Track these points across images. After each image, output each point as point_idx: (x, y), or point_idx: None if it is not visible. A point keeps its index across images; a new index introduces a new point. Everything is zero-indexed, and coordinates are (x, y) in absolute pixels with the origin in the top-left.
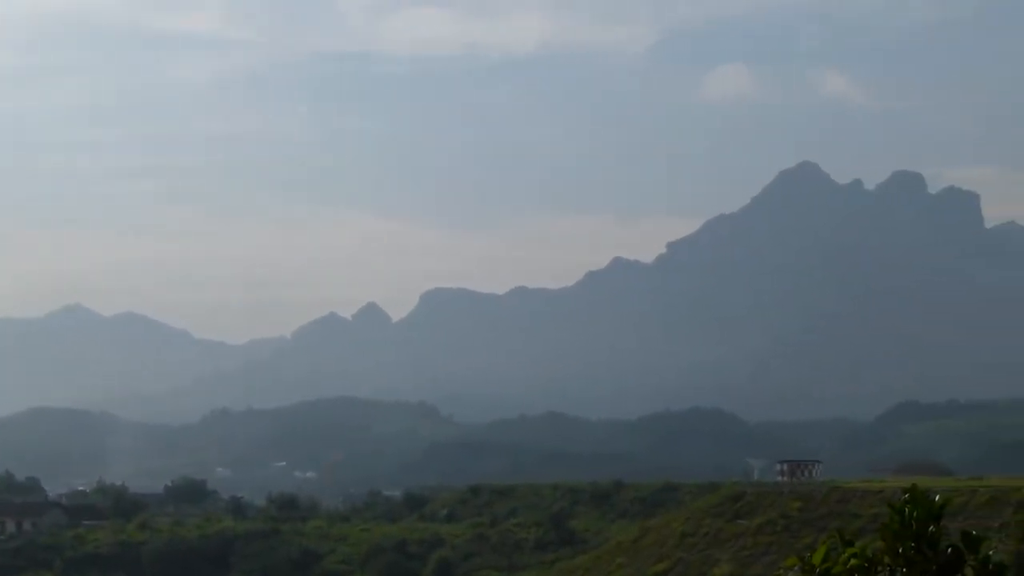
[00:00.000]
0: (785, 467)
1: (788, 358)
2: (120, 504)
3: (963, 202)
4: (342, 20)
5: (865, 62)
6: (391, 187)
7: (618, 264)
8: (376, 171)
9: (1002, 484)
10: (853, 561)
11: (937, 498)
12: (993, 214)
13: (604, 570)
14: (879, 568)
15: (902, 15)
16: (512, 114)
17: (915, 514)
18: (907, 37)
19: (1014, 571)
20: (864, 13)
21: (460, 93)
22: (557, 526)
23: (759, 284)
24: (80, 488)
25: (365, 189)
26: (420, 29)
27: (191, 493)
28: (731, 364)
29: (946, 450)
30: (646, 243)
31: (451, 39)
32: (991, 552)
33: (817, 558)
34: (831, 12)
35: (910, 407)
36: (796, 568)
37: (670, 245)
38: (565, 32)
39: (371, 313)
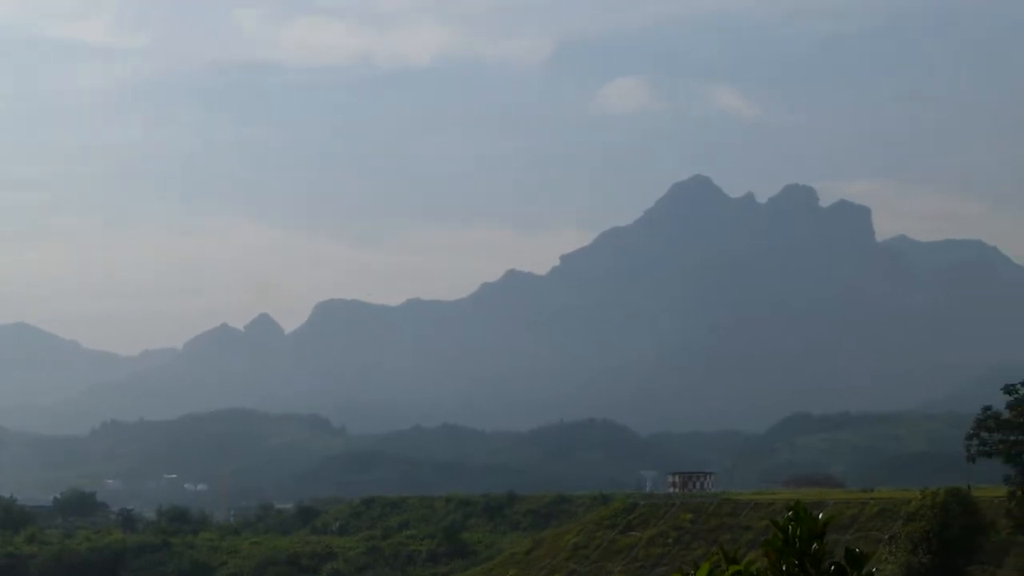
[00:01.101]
0: (677, 479)
1: (681, 370)
2: (9, 516)
3: (854, 216)
4: (237, 30)
5: (758, 76)
6: (284, 197)
7: (512, 276)
8: (269, 181)
9: (892, 496)
10: None
11: (821, 515)
12: (884, 228)
13: None
14: None
15: (795, 30)
16: (407, 125)
17: (799, 531)
18: (799, 52)
19: None
20: (757, 28)
21: (355, 104)
22: (450, 538)
23: (652, 297)
24: None
25: (258, 199)
26: (315, 39)
27: (81, 505)
28: (624, 376)
29: (837, 462)
30: (540, 255)
31: (346, 49)
32: (875, 569)
33: (701, 574)
34: (724, 26)
35: (801, 419)
36: None
37: (564, 258)
38: (461, 43)
39: (264, 324)
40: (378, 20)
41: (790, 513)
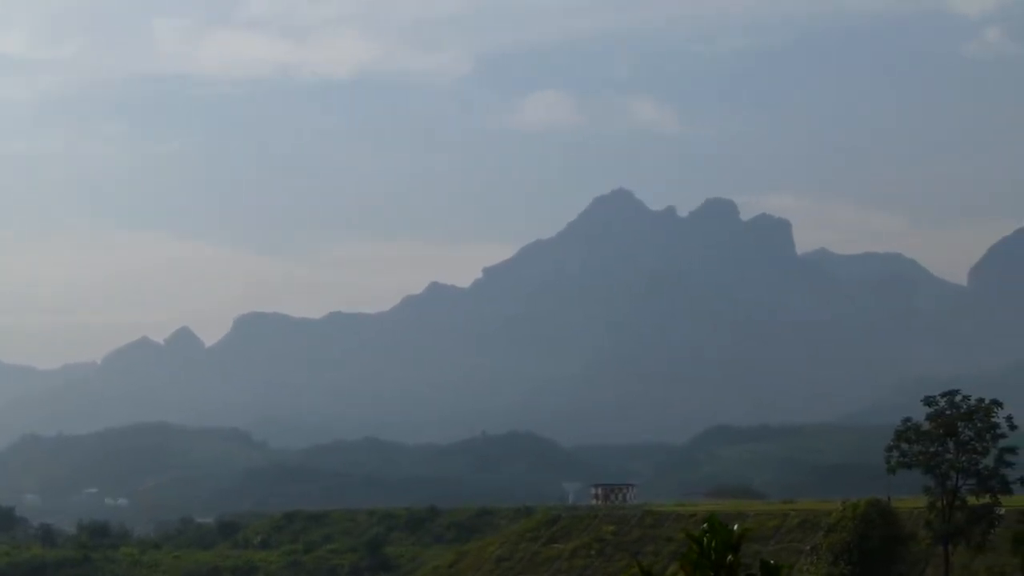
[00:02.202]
0: (599, 491)
1: (603, 383)
2: None
3: (774, 229)
4: (157, 42)
5: (678, 90)
6: (204, 211)
7: (435, 289)
8: (189, 194)
9: (813, 507)
10: None
11: (736, 527)
12: (804, 241)
13: None
14: None
15: (714, 44)
16: (328, 138)
17: (713, 543)
18: (719, 66)
19: None
20: (677, 42)
21: (276, 117)
22: (373, 552)
23: (574, 309)
24: None
25: (178, 212)
26: (235, 52)
27: None
28: (547, 389)
29: (758, 474)
30: (463, 268)
31: (266, 62)
32: None
33: None
34: (645, 40)
35: (723, 431)
36: None
37: (486, 270)
38: (381, 57)
39: (184, 338)
40: (298, 33)
41: (705, 525)
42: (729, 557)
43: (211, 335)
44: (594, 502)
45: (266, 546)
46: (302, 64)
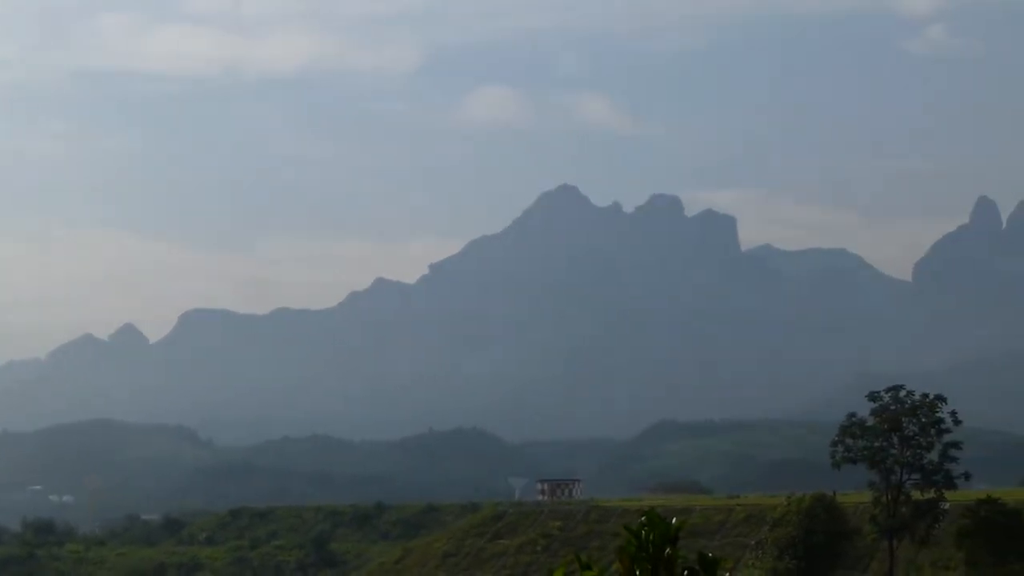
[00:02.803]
0: (546, 487)
1: (549, 378)
2: None
3: (720, 225)
4: (102, 38)
5: (624, 86)
6: (149, 207)
7: (381, 285)
8: (134, 190)
9: (758, 502)
10: None
11: (674, 521)
12: (749, 237)
13: None
14: None
15: (660, 41)
16: (273, 134)
17: (651, 537)
18: (665, 62)
19: None
20: (622, 38)
21: (220, 113)
22: (318, 548)
23: (521, 305)
24: None
25: (122, 209)
26: (180, 48)
27: None
28: (493, 385)
29: (704, 469)
30: (409, 264)
31: (212, 58)
32: (726, 574)
33: None
34: (591, 37)
35: (669, 426)
36: None
37: (432, 266)
38: (328, 52)
39: (128, 334)
40: (245, 29)
41: (643, 519)
42: (667, 550)
43: (156, 332)
44: (540, 498)
45: (212, 543)
46: (248, 60)
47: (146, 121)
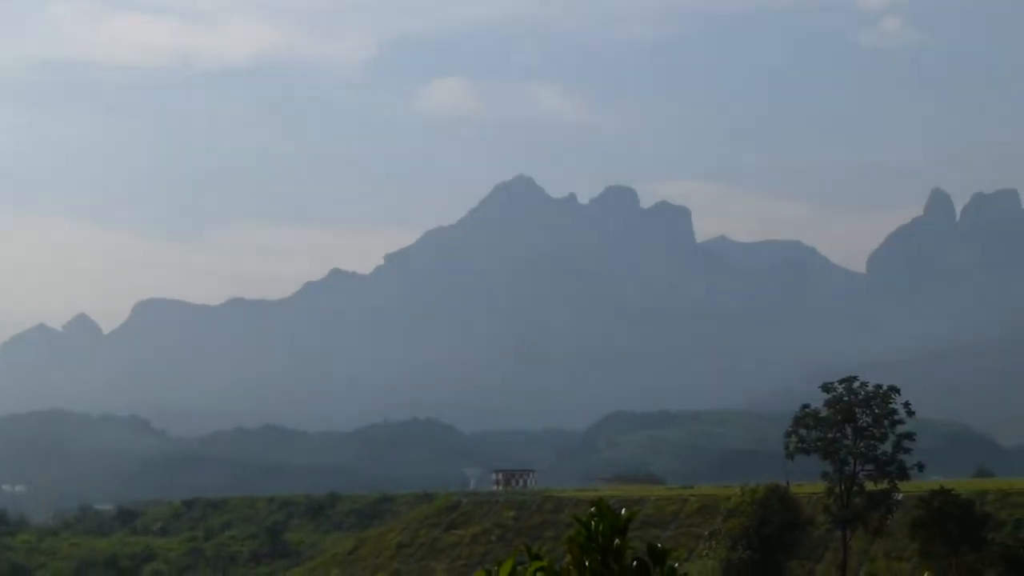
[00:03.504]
0: (500, 477)
1: (505, 369)
2: None
3: (674, 217)
4: (57, 27)
5: (580, 78)
6: (103, 196)
7: (336, 275)
8: (87, 179)
9: (712, 493)
10: (539, 575)
11: (624, 511)
12: (704, 229)
13: None
14: None
15: (615, 33)
16: (228, 124)
17: (601, 527)
18: (620, 54)
19: None
20: (578, 31)
21: (175, 102)
22: (272, 539)
23: (476, 296)
24: None
25: (76, 198)
26: (135, 37)
27: None
28: (449, 375)
29: (658, 459)
30: (364, 255)
31: (166, 48)
32: (676, 564)
33: (504, 571)
34: (546, 28)
35: (623, 417)
36: None
37: (388, 257)
38: (282, 43)
39: (82, 324)
40: (199, 18)
41: (593, 509)
42: (617, 541)
43: (110, 321)
44: (495, 488)
45: (165, 533)
46: (204, 49)
47: (100, 110)
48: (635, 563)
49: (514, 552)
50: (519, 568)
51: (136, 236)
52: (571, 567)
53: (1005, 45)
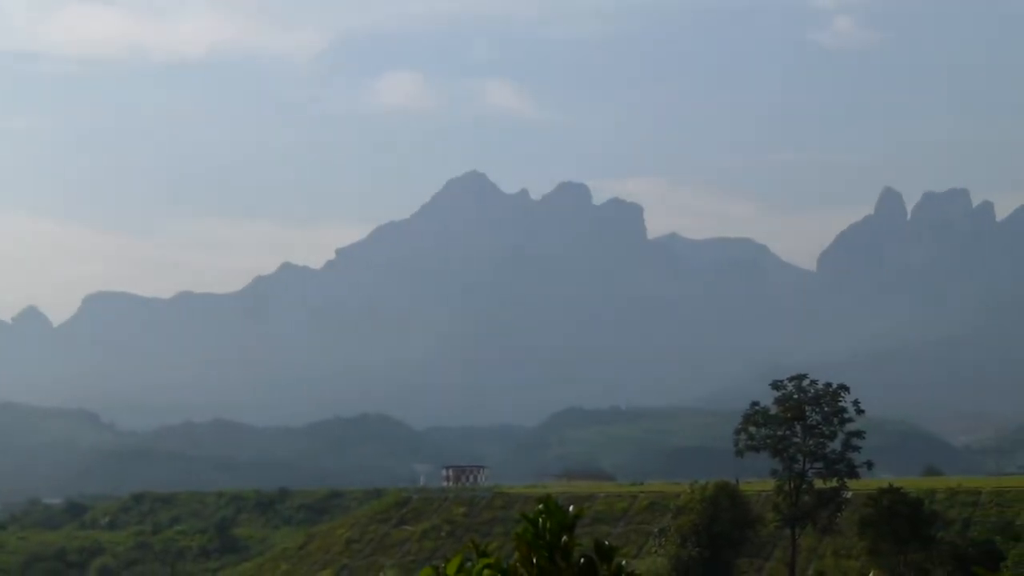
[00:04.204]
0: (450, 473)
1: (456, 364)
2: None
3: (627, 213)
4: (6, 18)
5: (533, 74)
6: (54, 188)
7: (287, 269)
8: (38, 172)
9: (662, 490)
10: (487, 572)
11: (571, 508)
12: (656, 226)
13: None
14: None
15: (568, 29)
16: (179, 117)
17: (548, 524)
18: (573, 51)
19: (674, 575)
20: (531, 26)
21: (127, 95)
22: (221, 533)
23: (428, 291)
24: None
25: (26, 190)
26: (86, 29)
27: None
28: (399, 370)
29: (609, 456)
30: (315, 249)
31: (118, 40)
32: (624, 562)
33: (451, 568)
34: (500, 24)
35: (574, 413)
36: None
37: (340, 251)
38: (235, 36)
39: (31, 316)
40: (151, 10)
41: (540, 506)
42: (564, 538)
43: (59, 314)
44: (445, 484)
45: (114, 527)
46: (154, 42)
47: (50, 102)
48: (583, 560)
49: (462, 549)
50: (467, 565)
51: (86, 229)
52: (519, 564)
53: (955, 45)
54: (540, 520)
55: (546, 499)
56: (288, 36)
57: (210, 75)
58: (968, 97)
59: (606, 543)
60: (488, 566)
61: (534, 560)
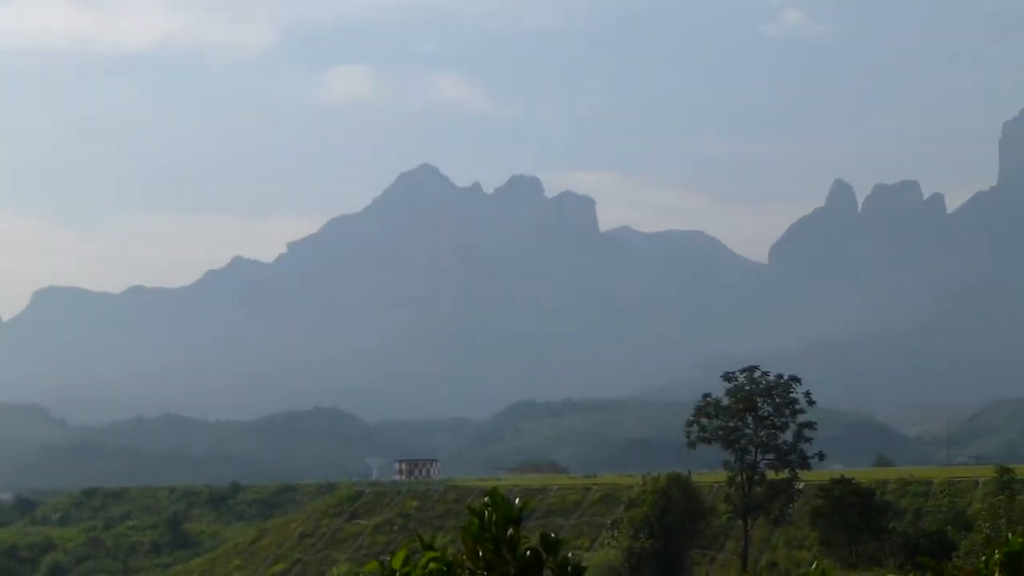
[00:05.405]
0: (403, 466)
1: (407, 358)
2: None
3: (579, 206)
4: None
5: (484, 67)
6: (1, 183)
7: (238, 263)
8: None
9: (615, 482)
10: (432, 565)
11: (517, 501)
12: (608, 218)
13: (220, 572)
14: (459, 571)
15: (518, 22)
16: (127, 110)
17: (494, 517)
18: (523, 43)
19: (626, 567)
20: (481, 19)
21: (73, 88)
22: (173, 529)
23: (380, 284)
24: None
25: None
26: (31, 21)
27: None
28: (351, 364)
29: (562, 448)
30: (267, 242)
31: (62, 32)
32: (570, 554)
33: (397, 562)
34: (450, 16)
35: (527, 406)
36: (376, 572)
37: (291, 245)
38: (182, 29)
39: None
40: (97, 2)
41: (486, 499)
42: (510, 531)
43: (9, 309)
44: (398, 478)
45: (65, 523)
46: (101, 34)
47: None
48: (528, 553)
49: (407, 542)
50: (412, 558)
51: (36, 224)
52: (465, 558)
53: (905, 37)
54: (486, 513)
55: (492, 492)
56: (236, 29)
57: (158, 68)
58: (918, 89)
59: (552, 535)
60: (434, 559)
61: (480, 553)
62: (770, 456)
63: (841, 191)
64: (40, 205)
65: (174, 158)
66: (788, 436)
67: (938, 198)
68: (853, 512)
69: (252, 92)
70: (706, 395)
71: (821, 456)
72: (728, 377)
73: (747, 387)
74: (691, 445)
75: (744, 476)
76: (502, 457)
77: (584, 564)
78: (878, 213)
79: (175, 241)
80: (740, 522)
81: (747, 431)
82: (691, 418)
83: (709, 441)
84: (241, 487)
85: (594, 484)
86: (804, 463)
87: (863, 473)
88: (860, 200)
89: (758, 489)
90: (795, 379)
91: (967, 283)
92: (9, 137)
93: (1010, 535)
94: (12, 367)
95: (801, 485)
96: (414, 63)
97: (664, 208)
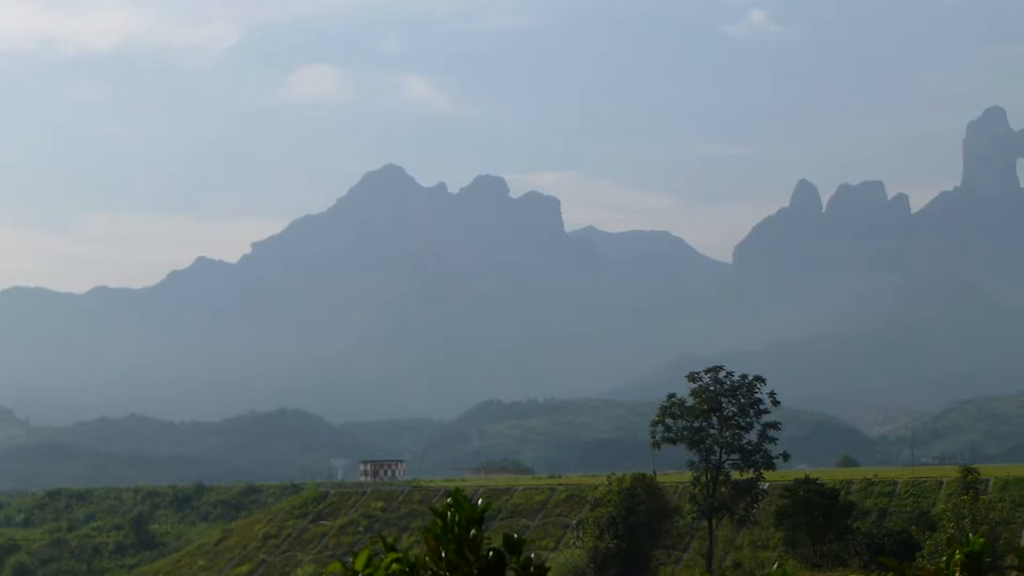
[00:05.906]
0: (368, 467)
1: (372, 358)
2: None
3: (544, 207)
4: None
5: (449, 67)
6: None
7: (202, 264)
8: None
9: (580, 482)
10: (395, 566)
11: (480, 502)
12: (573, 218)
13: (185, 573)
14: (421, 572)
15: (481, 21)
16: (91, 110)
17: (457, 518)
18: (488, 44)
19: (591, 567)
20: (446, 20)
21: (36, 87)
22: (137, 530)
23: (345, 284)
24: None
25: None
26: None
27: None
28: (316, 365)
29: (527, 449)
30: (231, 243)
31: (26, 32)
32: (533, 555)
33: (359, 563)
34: (414, 16)
35: (492, 407)
36: (339, 573)
37: (255, 245)
38: (147, 29)
39: None
40: (62, 2)
41: (449, 500)
42: (473, 531)
43: None
44: (363, 478)
45: (28, 524)
46: (64, 34)
47: None
48: (491, 553)
49: (370, 543)
50: (375, 559)
51: None
52: (427, 558)
53: (869, 39)
54: (448, 514)
55: (455, 492)
56: (200, 29)
57: (122, 68)
58: (882, 90)
59: (515, 536)
60: (396, 560)
61: (443, 554)
62: (735, 456)
63: (805, 191)
64: (3, 205)
65: (139, 159)
66: (753, 436)
67: (902, 198)
68: (818, 512)
69: (216, 93)
70: (671, 395)
71: (786, 456)
72: (693, 377)
73: (712, 387)
74: (656, 445)
75: (709, 476)
76: (467, 458)
77: (548, 564)
78: (843, 213)
79: (140, 241)
80: (705, 522)
81: (712, 431)
82: (656, 418)
83: (674, 441)
84: (206, 488)
85: (559, 484)
86: (769, 463)
87: (828, 473)
88: (824, 200)
89: (723, 489)
90: (760, 379)
91: (931, 283)
92: None
93: (971, 535)
94: None
95: (766, 485)
96: (380, 63)
97: (629, 209)
